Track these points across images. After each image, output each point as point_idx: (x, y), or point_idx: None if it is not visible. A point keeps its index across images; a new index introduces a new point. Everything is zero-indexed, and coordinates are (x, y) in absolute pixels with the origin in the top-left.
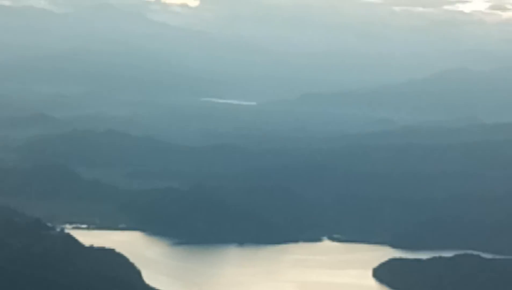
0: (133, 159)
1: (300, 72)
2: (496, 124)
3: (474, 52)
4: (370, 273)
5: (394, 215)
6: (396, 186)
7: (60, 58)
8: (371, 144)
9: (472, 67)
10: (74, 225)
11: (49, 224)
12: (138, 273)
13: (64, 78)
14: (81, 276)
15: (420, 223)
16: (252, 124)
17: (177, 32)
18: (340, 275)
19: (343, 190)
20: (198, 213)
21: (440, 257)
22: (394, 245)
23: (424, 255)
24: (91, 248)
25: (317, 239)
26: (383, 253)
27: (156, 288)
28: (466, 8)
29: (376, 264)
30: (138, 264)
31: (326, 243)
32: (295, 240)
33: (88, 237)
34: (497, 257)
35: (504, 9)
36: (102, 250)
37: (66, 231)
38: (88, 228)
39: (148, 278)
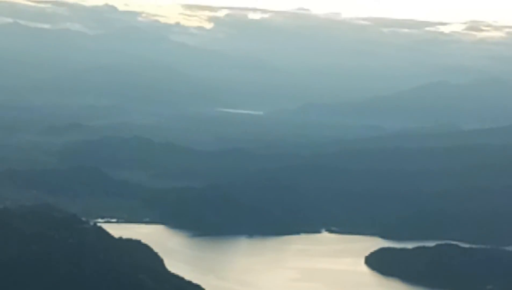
0: (156, 162)
1: (301, 85)
2: (473, 130)
3: (453, 67)
4: (362, 261)
5: (383, 209)
6: (385, 184)
7: (92, 74)
8: (364, 148)
9: (452, 81)
10: (105, 219)
11: (83, 219)
12: (161, 261)
13: (96, 91)
14: (110, 263)
15: (407, 217)
16: (260, 131)
17: (194, 51)
18: (337, 262)
19: (339, 187)
20: (213, 209)
21: (424, 247)
22: (384, 236)
23: (410, 245)
24: (120, 239)
25: (317, 231)
26: (374, 243)
27: (177, 275)
28: (445, 29)
29: (367, 253)
30: (161, 253)
31: (324, 235)
32: (297, 232)
33: (117, 230)
34: (474, 246)
35: (478, 30)
36: (129, 241)
37: (98, 224)
38: (117, 222)
39: (169, 265)
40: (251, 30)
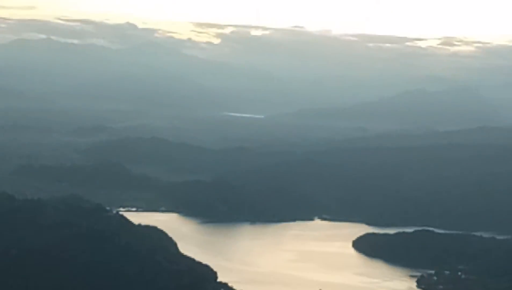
0: (171, 159)
1: (297, 92)
2: (446, 131)
3: (429, 77)
4: (350, 244)
5: (368, 199)
6: (370, 178)
7: (115, 82)
8: (351, 146)
9: (428, 89)
10: (126, 209)
11: (107, 208)
12: (174, 245)
13: (118, 97)
14: (131, 246)
15: (389, 206)
16: (261, 132)
17: (204, 63)
18: (327, 246)
19: (330, 181)
20: (220, 199)
21: (404, 232)
22: (369, 223)
23: (391, 231)
24: (139, 225)
25: (310, 218)
26: (360, 229)
27: (189, 256)
28: (422, 44)
29: (354, 237)
30: (175, 238)
31: (317, 222)
32: (293, 219)
33: (137, 218)
34: (447, 232)
35: (451, 44)
36: (147, 227)
37: (120, 213)
38: (136, 211)
39: (182, 248)
40: (253, 45)
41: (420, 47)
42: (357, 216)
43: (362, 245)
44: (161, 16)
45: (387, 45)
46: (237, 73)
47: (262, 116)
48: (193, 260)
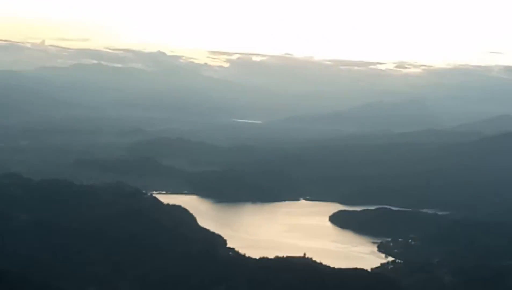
0: (192, 154)
1: (287, 104)
2: (400, 132)
3: (387, 92)
4: (327, 219)
5: (341, 185)
6: (343, 168)
7: (150, 96)
8: (329, 144)
9: (385, 100)
10: (157, 192)
11: (143, 191)
12: (194, 219)
13: (152, 108)
14: (161, 221)
15: (357, 190)
16: (260, 133)
17: (217, 82)
18: (310, 220)
19: (312, 170)
20: (229, 185)
21: (368, 209)
22: (342, 202)
23: (358, 208)
24: (167, 205)
25: (297, 199)
26: (335, 207)
27: (205, 228)
28: (382, 66)
29: (331, 213)
30: (194, 214)
31: (302, 202)
32: (284, 200)
33: (166, 199)
34: (401, 209)
35: (404, 67)
36: (174, 206)
37: (153, 195)
38: (165, 193)
39: (200, 222)
40: (254, 67)
41: (380, 69)
42: (332, 197)
43: (336, 219)
44: (184, 45)
45: (355, 67)
46: (241, 89)
47: (261, 122)
48: (208, 230)
